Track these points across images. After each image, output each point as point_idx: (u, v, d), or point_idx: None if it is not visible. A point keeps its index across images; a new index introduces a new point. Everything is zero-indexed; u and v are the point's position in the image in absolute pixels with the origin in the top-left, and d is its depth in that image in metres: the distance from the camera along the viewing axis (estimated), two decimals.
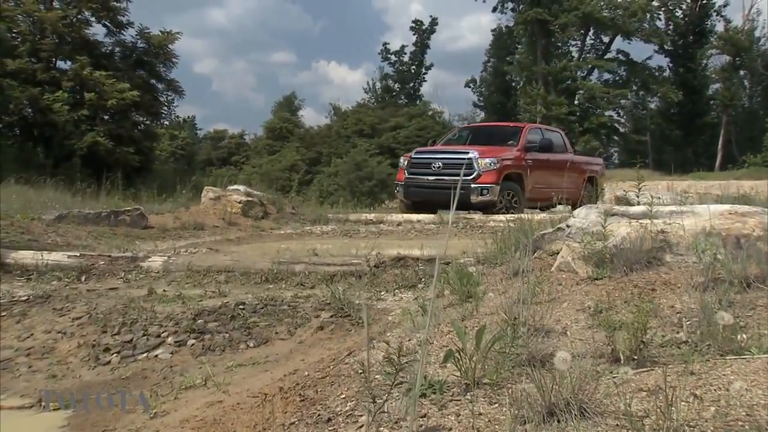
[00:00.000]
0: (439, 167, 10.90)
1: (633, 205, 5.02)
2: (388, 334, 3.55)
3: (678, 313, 2.89)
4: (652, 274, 3.47)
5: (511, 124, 15.05)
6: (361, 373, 2.78)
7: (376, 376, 2.69)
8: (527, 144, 11.69)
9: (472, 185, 10.40)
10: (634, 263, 3.58)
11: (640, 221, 3.91)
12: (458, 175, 10.44)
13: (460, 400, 2.24)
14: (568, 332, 2.89)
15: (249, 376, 3.46)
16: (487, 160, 10.54)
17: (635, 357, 2.33)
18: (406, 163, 11.69)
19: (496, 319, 3.22)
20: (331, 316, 4.34)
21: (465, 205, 10.60)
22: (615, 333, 2.55)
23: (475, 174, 10.47)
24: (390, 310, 4.41)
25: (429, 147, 13.24)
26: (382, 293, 4.92)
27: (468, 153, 10.86)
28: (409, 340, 3.21)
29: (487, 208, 10.45)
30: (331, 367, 3.06)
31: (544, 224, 6.20)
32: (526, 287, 3.16)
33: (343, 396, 2.52)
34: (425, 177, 11.07)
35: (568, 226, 4.64)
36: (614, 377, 2.22)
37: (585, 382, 1.94)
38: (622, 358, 2.36)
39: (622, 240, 3.77)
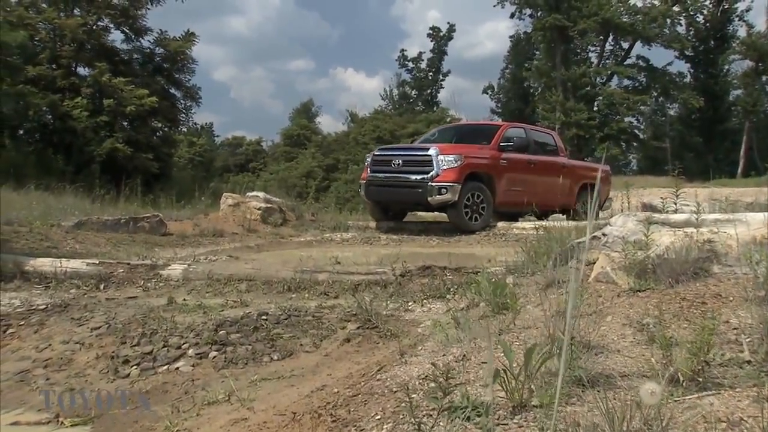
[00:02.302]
0: (398, 165, 10.15)
1: (660, 213, 4.80)
2: (420, 347, 3.38)
3: (735, 329, 2.69)
4: (700, 286, 3.27)
5: (493, 123, 14.18)
6: (396, 391, 2.62)
7: (413, 396, 2.52)
8: (503, 143, 10.63)
9: (430, 184, 9.57)
10: (680, 274, 3.37)
11: (684, 230, 3.71)
12: (418, 173, 9.77)
13: (507, 423, 2.07)
14: (615, 348, 2.71)
15: (274, 391, 3.30)
16: (448, 157, 9.69)
17: (699, 378, 2.14)
18: (369, 161, 10.95)
19: (535, 333, 3.04)
20: (358, 328, 4.18)
21: (423, 205, 10.17)
22: (670, 351, 2.37)
23: (434, 172, 9.62)
24: (419, 321, 4.24)
25: (391, 145, 12.74)
26: (410, 304, 4.75)
27: (428, 149, 9.98)
28: (444, 355, 3.04)
29: (448, 209, 9.85)
30: (362, 383, 2.89)
31: (577, 232, 6.02)
32: (568, 300, 2.98)
33: (378, 417, 2.36)
34: (385, 175, 10.33)
35: (604, 235, 4.45)
36: (676, 401, 2.03)
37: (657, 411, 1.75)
38: (681, 379, 2.17)
39: (665, 250, 3.57)
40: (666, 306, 3.07)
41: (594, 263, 4.15)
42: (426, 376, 2.70)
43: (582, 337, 2.71)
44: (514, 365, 2.21)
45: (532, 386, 2.23)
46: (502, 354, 2.90)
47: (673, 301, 3.13)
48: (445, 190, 9.50)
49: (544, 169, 11.25)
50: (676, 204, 4.78)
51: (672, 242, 3.60)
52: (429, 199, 9.58)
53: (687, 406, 1.96)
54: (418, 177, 9.71)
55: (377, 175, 10.43)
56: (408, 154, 10.39)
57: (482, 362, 2.79)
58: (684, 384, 2.15)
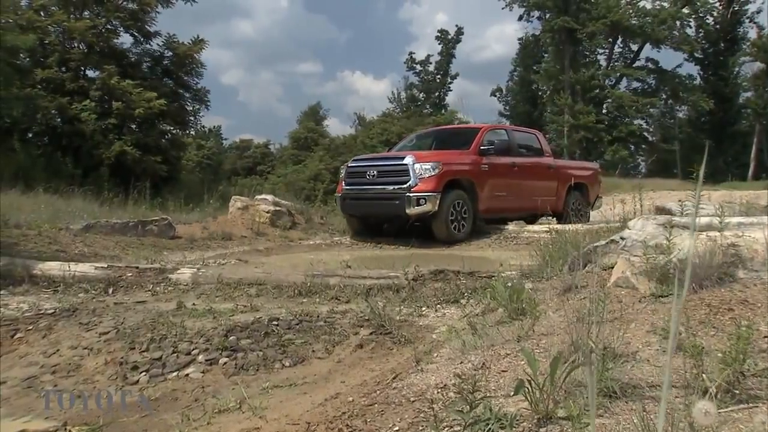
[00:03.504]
0: (373, 176, 9.56)
1: (677, 216, 4.70)
2: (435, 354, 3.30)
3: (765, 337, 2.59)
4: (725, 291, 3.17)
5: (472, 126, 12.98)
6: (413, 401, 2.53)
7: (432, 406, 2.43)
8: (484, 147, 10.02)
9: (407, 194, 8.99)
10: (704, 279, 3.27)
11: (707, 234, 3.61)
12: (394, 183, 9.23)
13: None
14: (640, 356, 2.61)
15: (286, 399, 3.22)
16: (425, 166, 9.10)
17: (735, 390, 2.04)
18: (343, 173, 10.35)
19: (556, 340, 2.95)
20: (371, 333, 4.09)
21: (401, 217, 9.55)
22: (701, 360, 2.27)
23: (410, 182, 9.06)
24: (433, 327, 4.15)
25: (367, 155, 12.00)
26: (423, 309, 4.66)
27: (403, 158, 9.39)
28: (461, 362, 2.95)
29: (430, 220, 9.28)
30: (378, 392, 2.81)
31: (590, 235, 5.92)
32: (591, 305, 2.89)
33: (396, 428, 2.27)
34: (360, 187, 9.78)
35: (622, 239, 4.36)
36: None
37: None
38: (715, 390, 2.07)
39: (687, 254, 3.47)
40: (691, 312, 2.97)
41: (612, 268, 4.05)
42: (444, 386, 2.61)
43: (606, 345, 2.61)
44: (538, 374, 2.12)
45: (557, 397, 2.14)
46: (522, 362, 2.83)
47: (698, 308, 3.03)
48: (423, 200, 8.98)
49: (528, 172, 10.80)
50: (695, 207, 4.68)
51: (695, 246, 3.50)
52: (407, 210, 9.06)
53: (722, 420, 1.87)
54: (395, 188, 9.22)
55: (352, 187, 9.92)
56: (383, 164, 9.82)
57: (502, 371, 2.70)
58: (719, 396, 2.05)
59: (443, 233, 9.17)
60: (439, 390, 2.58)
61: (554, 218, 11.04)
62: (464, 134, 11.00)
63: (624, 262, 3.81)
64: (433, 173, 9.07)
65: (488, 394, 2.34)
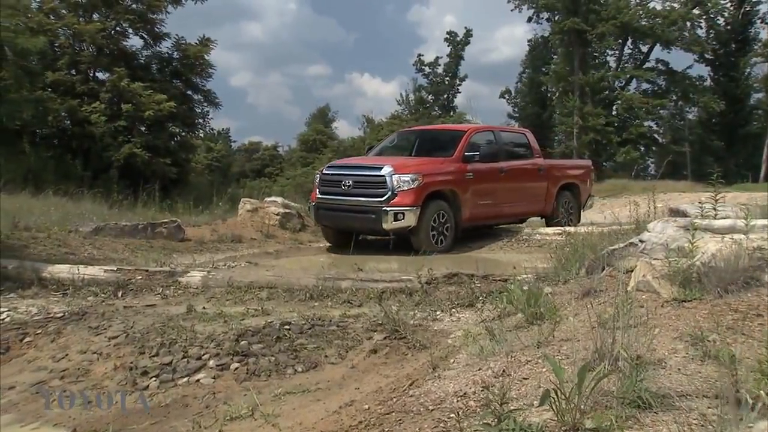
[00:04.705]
0: (349, 186, 8.78)
1: (690, 218, 4.59)
2: (452, 360, 3.22)
3: None
4: (752, 296, 3.07)
5: (457, 128, 12.04)
6: (432, 410, 2.45)
7: (451, 415, 2.35)
8: (468, 152, 9.24)
9: (384, 208, 8.29)
10: (729, 284, 3.18)
11: (731, 236, 3.51)
12: (370, 195, 8.54)
13: None
14: (668, 364, 2.51)
15: (300, 406, 3.15)
16: (404, 177, 8.39)
17: None
18: (318, 179, 9.56)
19: (578, 346, 2.86)
20: (385, 338, 4.02)
21: (378, 233, 8.94)
22: (735, 369, 2.18)
23: (388, 194, 8.35)
24: (448, 331, 4.07)
25: (343, 161, 11.10)
26: (438, 313, 4.58)
27: (381, 168, 8.65)
28: (480, 369, 2.86)
29: (410, 235, 8.56)
30: (394, 400, 2.73)
31: (604, 238, 5.82)
32: (613, 310, 2.80)
33: None
34: (335, 197, 8.98)
35: (641, 241, 4.26)
36: (750, 428, 1.84)
37: None
38: (750, 401, 1.98)
39: (711, 257, 3.37)
40: (717, 318, 2.87)
41: (631, 271, 3.96)
42: (464, 394, 2.53)
43: (630, 352, 2.52)
44: (564, 383, 2.04)
45: (583, 407, 2.05)
46: (544, 369, 2.74)
47: (724, 313, 2.94)
48: (401, 215, 8.30)
49: (517, 176, 10.08)
50: (715, 209, 4.58)
51: (719, 249, 3.40)
52: (384, 225, 8.37)
53: None
54: (371, 200, 8.52)
55: (327, 196, 9.16)
56: (359, 174, 9.03)
57: (524, 378, 2.62)
58: (752, 407, 1.95)
59: (423, 247, 8.33)
60: (459, 398, 2.50)
61: (543, 221, 10.72)
62: (448, 137, 10.22)
63: (645, 266, 3.71)
64: (412, 186, 8.41)
65: (510, 404, 2.25)
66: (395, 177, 8.41)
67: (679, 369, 2.42)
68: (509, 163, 9.98)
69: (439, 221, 8.71)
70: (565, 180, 11.01)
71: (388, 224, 8.33)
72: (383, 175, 8.49)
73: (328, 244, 9.59)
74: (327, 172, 9.53)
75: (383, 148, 11.12)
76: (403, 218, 8.30)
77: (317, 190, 9.36)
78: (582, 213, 11.53)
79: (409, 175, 8.45)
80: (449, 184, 8.99)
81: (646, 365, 2.48)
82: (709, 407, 2.09)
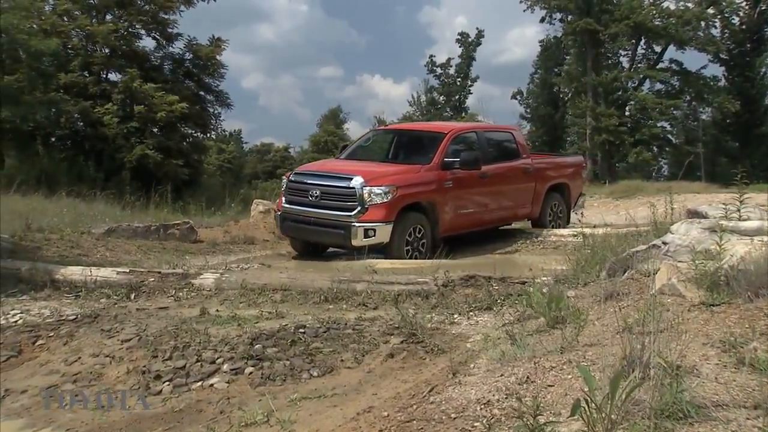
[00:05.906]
0: (316, 197, 7.95)
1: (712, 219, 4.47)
2: (472, 365, 3.13)
3: None
4: None
5: (437, 128, 10.57)
6: (455, 418, 2.37)
7: (475, 424, 2.26)
8: (449, 158, 8.44)
9: (354, 224, 7.57)
10: (760, 288, 3.06)
11: (761, 238, 3.40)
12: (339, 209, 7.79)
13: None
14: (700, 372, 2.41)
15: (316, 412, 3.07)
16: (376, 190, 7.64)
17: None
18: (284, 186, 8.77)
19: (603, 351, 2.77)
20: (402, 342, 3.94)
21: (346, 248, 8.13)
22: None
23: (358, 209, 7.62)
24: (467, 335, 3.99)
25: (311, 166, 10.04)
26: (455, 316, 4.49)
27: (351, 179, 7.85)
28: (502, 375, 2.77)
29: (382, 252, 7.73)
30: (414, 406, 2.64)
31: (621, 239, 5.70)
32: (639, 314, 2.70)
33: None
34: (301, 208, 8.16)
35: (664, 243, 4.15)
36: None
37: None
38: None
39: (740, 260, 3.26)
40: (750, 323, 2.77)
41: (654, 274, 3.85)
42: (488, 402, 2.44)
43: (663, 359, 2.42)
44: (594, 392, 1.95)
45: (615, 417, 1.96)
46: (569, 376, 2.65)
47: (756, 318, 2.83)
48: (372, 231, 7.57)
49: (502, 179, 9.34)
50: (739, 211, 4.46)
51: (748, 252, 3.29)
52: (353, 242, 7.63)
53: None
54: (340, 214, 7.78)
55: (292, 206, 8.33)
56: (327, 185, 8.11)
57: (548, 385, 2.52)
58: None
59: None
60: (482, 406, 2.41)
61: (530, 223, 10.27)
62: (427, 139, 9.43)
63: (669, 268, 3.61)
64: (385, 199, 7.65)
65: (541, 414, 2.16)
66: (366, 189, 7.68)
67: (713, 377, 2.32)
68: (493, 166, 9.18)
69: (414, 236, 7.99)
70: (555, 180, 10.35)
71: (358, 241, 7.61)
72: (353, 188, 7.75)
73: None
74: (294, 179, 8.64)
75: (357, 147, 10.20)
76: (374, 235, 7.61)
77: (283, 198, 8.63)
78: (572, 214, 10.93)
79: (382, 188, 7.72)
80: (426, 195, 8.26)
81: (681, 373, 2.38)
82: (747, 418, 2.00)
